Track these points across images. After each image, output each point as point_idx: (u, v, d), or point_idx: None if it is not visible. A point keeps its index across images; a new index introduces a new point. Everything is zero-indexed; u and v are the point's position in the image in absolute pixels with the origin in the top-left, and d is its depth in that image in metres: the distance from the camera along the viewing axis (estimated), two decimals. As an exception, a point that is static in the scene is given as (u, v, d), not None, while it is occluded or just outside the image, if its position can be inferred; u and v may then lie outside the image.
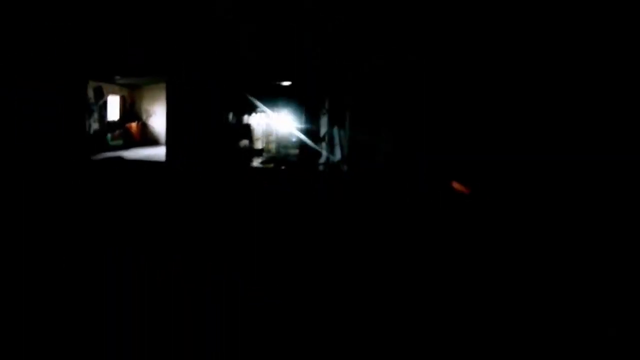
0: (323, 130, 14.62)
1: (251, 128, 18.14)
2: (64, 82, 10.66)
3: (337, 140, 13.16)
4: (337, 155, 13.19)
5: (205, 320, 2.98)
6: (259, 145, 19.03)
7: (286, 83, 14.88)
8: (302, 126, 16.89)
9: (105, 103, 15.16)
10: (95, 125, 14.67)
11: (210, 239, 4.98)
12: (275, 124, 19.33)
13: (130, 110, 16.80)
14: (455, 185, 7.31)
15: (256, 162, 15.59)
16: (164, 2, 10.59)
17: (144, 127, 16.67)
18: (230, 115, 17.25)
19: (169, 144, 11.37)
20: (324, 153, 14.20)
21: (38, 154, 10.37)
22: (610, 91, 7.24)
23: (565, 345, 2.86)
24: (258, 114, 18.75)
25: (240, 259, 4.32)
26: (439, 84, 9.64)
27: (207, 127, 13.71)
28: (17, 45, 10.03)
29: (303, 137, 16.76)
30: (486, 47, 8.84)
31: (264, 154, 17.92)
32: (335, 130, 13.15)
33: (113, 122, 15.92)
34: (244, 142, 17.46)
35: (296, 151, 16.17)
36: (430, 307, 3.41)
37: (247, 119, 18.24)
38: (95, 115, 14.64)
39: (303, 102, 15.51)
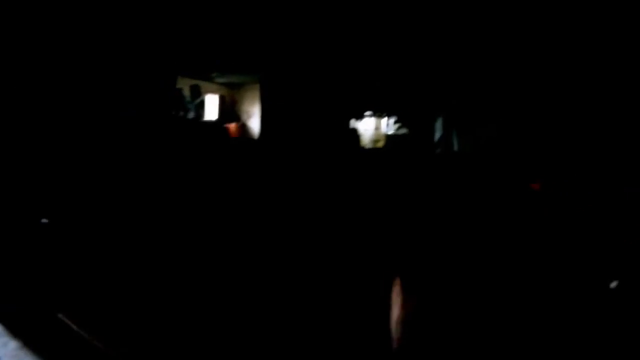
0: (438, 134, 12.09)
1: (358, 134, 16.03)
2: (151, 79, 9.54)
3: (455, 147, 10.80)
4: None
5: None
6: (365, 153, 16.84)
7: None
8: (413, 131, 14.43)
9: (202, 102, 14.29)
10: (190, 126, 13.84)
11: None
12: (386, 129, 17.04)
13: (230, 111, 15.87)
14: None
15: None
16: None
17: (244, 129, 15.61)
18: (334, 119, 15.27)
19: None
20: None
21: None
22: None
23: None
24: (368, 118, 16.64)
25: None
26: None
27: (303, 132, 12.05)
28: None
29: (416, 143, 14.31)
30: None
31: (370, 164, 15.58)
32: (454, 135, 10.96)
33: (211, 122, 15.08)
34: (349, 149, 15.37)
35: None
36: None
37: (354, 123, 16.15)
38: (192, 114, 13.79)
39: (416, 104, 13.09)
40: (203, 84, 14.13)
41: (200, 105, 14.19)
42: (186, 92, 13.45)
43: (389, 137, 16.24)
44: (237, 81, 14.68)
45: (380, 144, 16.63)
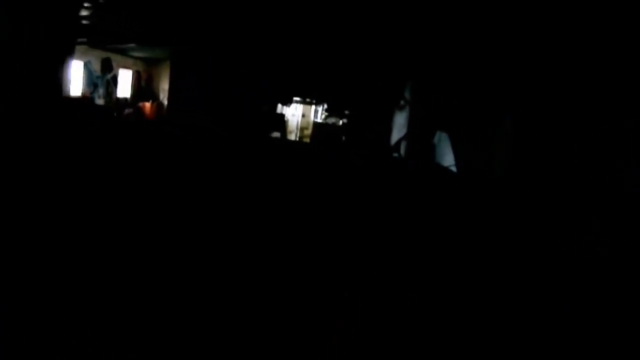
0: (397, 134, 10.66)
1: (285, 119, 15.38)
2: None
3: (442, 152, 8.91)
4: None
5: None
6: (292, 138, 16.29)
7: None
8: (354, 123, 13.82)
9: (114, 77, 12.64)
10: (99, 102, 12.18)
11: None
12: (313, 117, 16.61)
13: (146, 88, 14.26)
14: None
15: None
16: None
17: (160, 108, 14.11)
18: (261, 103, 14.48)
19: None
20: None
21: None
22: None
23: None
24: (297, 104, 16.02)
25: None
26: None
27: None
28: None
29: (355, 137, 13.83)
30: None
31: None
32: (443, 137, 8.90)
33: (123, 100, 13.43)
34: (275, 134, 14.71)
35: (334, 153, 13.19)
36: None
37: (281, 108, 15.44)
38: (100, 91, 12.13)
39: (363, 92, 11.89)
40: (116, 57, 12.48)
41: (113, 81, 12.55)
42: (96, 66, 11.77)
43: (316, 125, 15.79)
44: (154, 56, 13.15)
45: (308, 132, 16.19)
